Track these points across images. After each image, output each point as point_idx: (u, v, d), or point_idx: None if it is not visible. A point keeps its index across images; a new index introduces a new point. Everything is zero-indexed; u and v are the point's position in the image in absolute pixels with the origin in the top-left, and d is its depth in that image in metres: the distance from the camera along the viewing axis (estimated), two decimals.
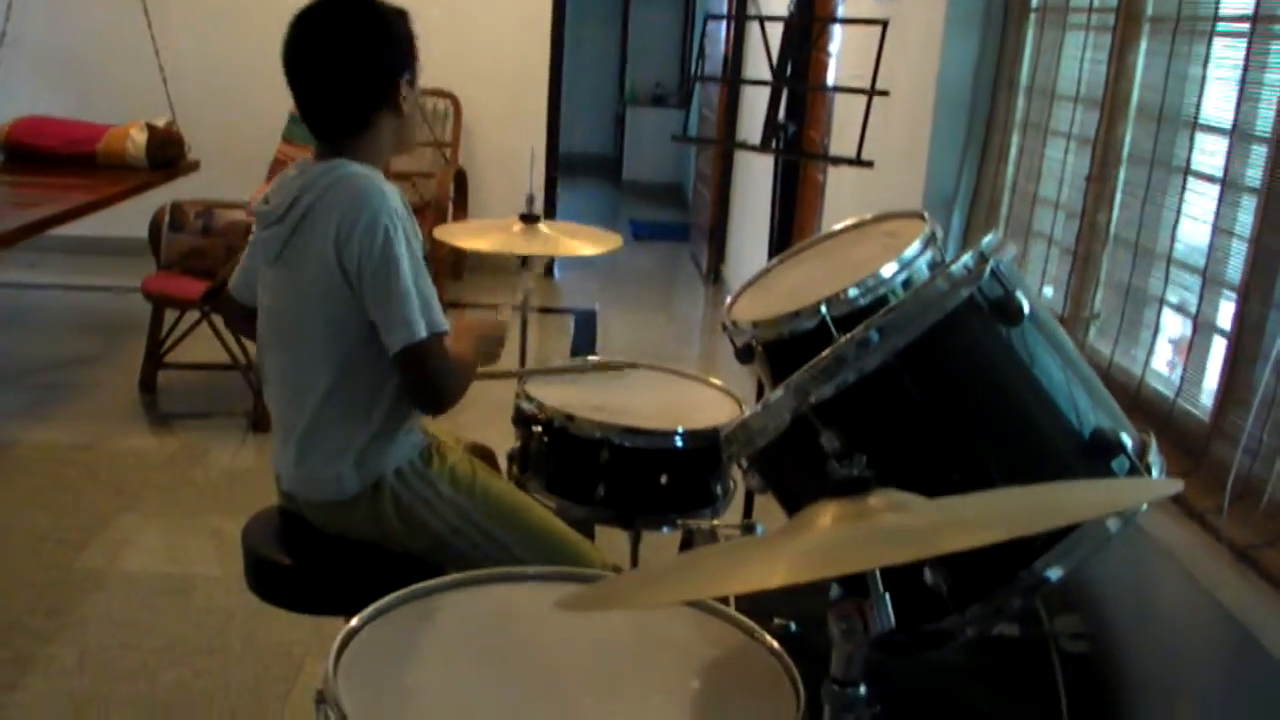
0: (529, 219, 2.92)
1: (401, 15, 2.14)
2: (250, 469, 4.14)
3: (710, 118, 7.75)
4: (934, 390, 1.47)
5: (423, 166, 6.70)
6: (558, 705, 1.48)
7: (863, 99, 2.85)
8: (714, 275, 7.44)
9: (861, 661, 1.22)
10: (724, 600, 1.73)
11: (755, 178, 6.14)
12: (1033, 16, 2.89)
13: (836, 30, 4.48)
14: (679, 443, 2.41)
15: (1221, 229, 2.01)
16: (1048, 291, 2.67)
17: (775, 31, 3.14)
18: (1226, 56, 2.06)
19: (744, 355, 2.03)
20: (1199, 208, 2.12)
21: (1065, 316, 2.50)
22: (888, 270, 1.90)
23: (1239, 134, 1.98)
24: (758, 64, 4.10)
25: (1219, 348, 2.01)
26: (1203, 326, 2.06)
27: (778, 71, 3.05)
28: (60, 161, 4.92)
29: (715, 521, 2.45)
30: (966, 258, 1.47)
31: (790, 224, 4.83)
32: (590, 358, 2.95)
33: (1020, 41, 2.92)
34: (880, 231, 2.16)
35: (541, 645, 1.61)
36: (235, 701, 2.80)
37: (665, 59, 11.96)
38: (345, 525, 2.18)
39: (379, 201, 2.03)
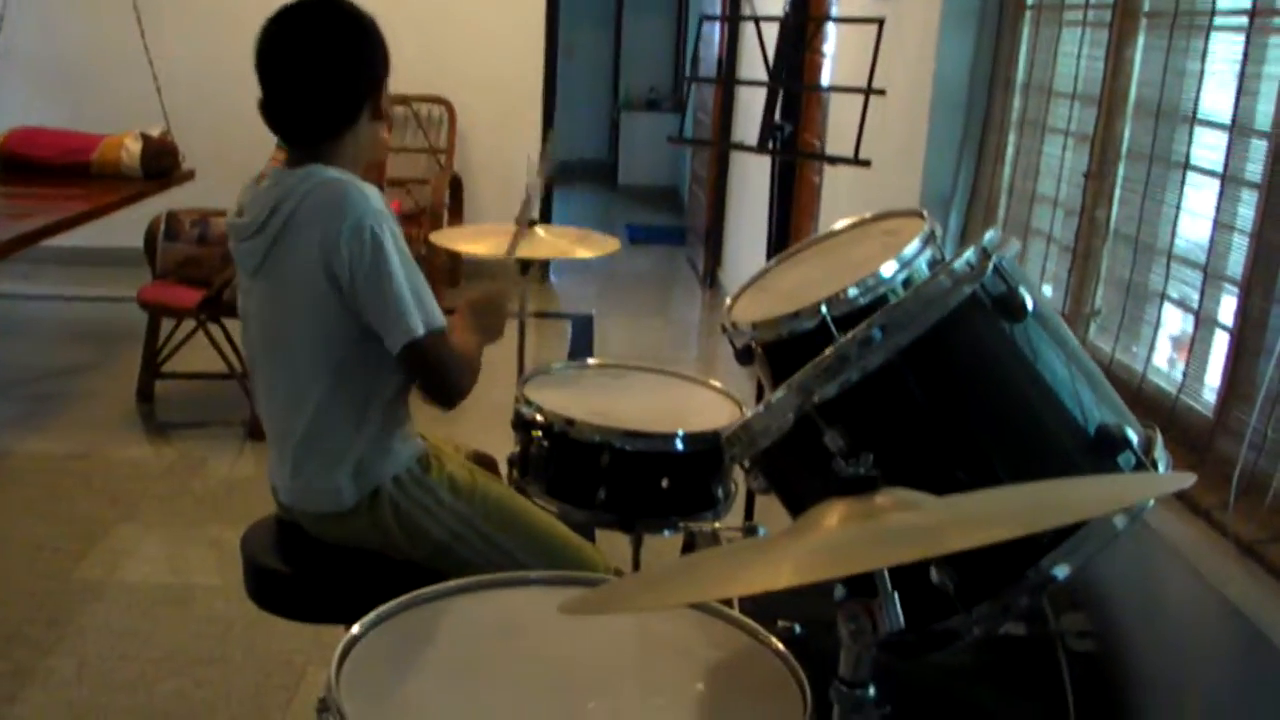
0: (526, 223, 2.91)
1: (373, 20, 2.12)
2: (249, 478, 4.12)
3: (705, 120, 7.75)
4: (937, 388, 1.46)
5: (417, 173, 6.70)
6: (562, 710, 1.47)
7: (858, 101, 2.84)
8: (710, 278, 7.43)
9: (870, 662, 1.21)
10: (728, 603, 1.72)
11: (751, 180, 6.14)
12: (1028, 14, 2.88)
13: (831, 31, 4.47)
14: (679, 445, 2.40)
15: (1222, 224, 2.00)
16: (1047, 289, 2.66)
17: (770, 32, 3.13)
18: (1225, 51, 2.05)
19: (744, 357, 2.02)
20: (1199, 203, 2.11)
21: (1066, 314, 2.49)
22: (887, 269, 1.89)
23: (1238, 128, 1.98)
24: (752, 65, 4.09)
25: (1221, 343, 2.00)
26: (1204, 322, 2.05)
27: (774, 72, 3.04)
28: (55, 172, 4.91)
29: (717, 524, 2.44)
30: (969, 254, 1.46)
31: (787, 226, 4.82)
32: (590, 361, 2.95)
33: (1016, 39, 2.92)
34: (879, 230, 2.15)
35: (545, 650, 1.60)
36: (236, 711, 2.79)
37: (659, 63, 11.96)
38: (344, 535, 2.16)
39: (361, 204, 2.00)
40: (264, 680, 2.91)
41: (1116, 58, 2.38)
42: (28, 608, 3.21)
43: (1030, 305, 1.45)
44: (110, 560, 3.51)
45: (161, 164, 5.05)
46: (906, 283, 1.90)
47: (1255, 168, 1.93)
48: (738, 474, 2.46)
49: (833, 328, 1.83)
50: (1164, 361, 2.23)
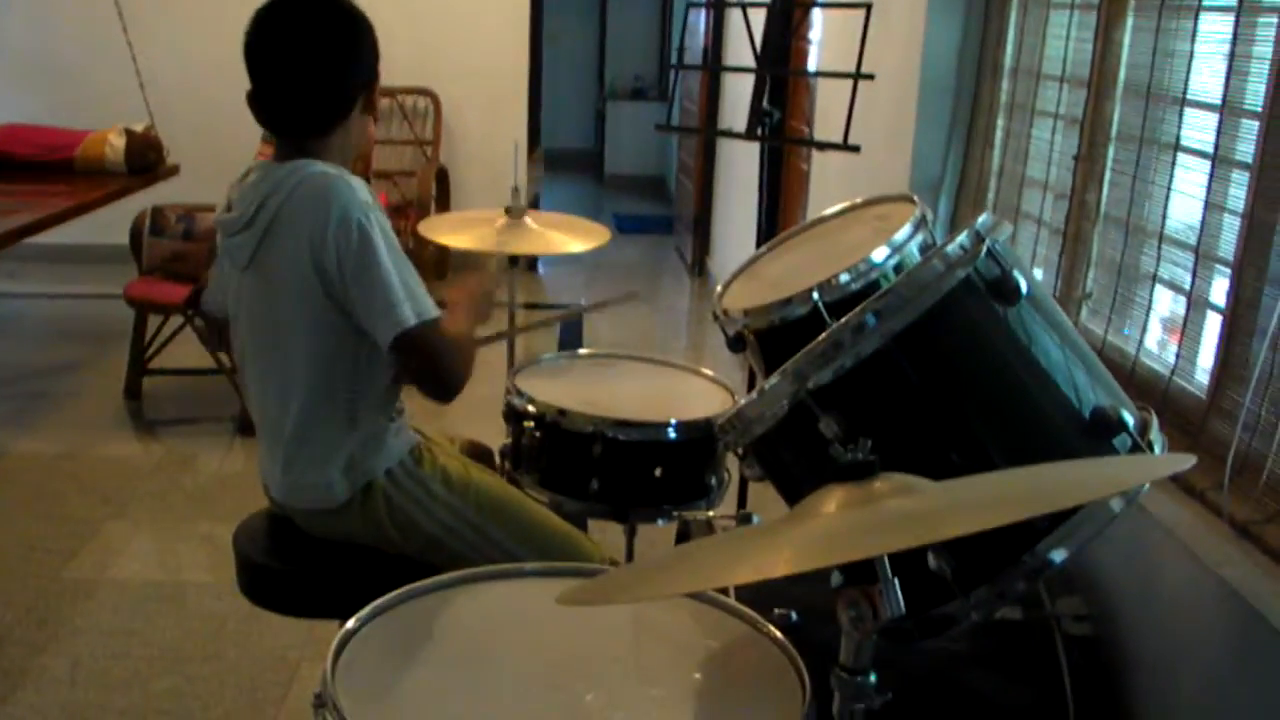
0: (515, 213, 2.89)
1: (365, 14, 2.10)
2: (239, 473, 4.11)
3: (691, 109, 7.74)
4: (932, 372, 1.46)
5: (404, 165, 6.67)
6: (559, 702, 1.46)
7: (845, 87, 2.83)
8: (699, 267, 7.43)
9: (871, 649, 1.20)
10: (724, 592, 1.71)
11: (738, 168, 6.13)
12: None
13: (817, 17, 4.46)
14: (672, 434, 2.39)
15: (1213, 205, 2.00)
16: (1038, 273, 2.66)
17: (757, 18, 3.12)
18: (1214, 31, 2.05)
19: (735, 344, 2.01)
20: (1189, 184, 2.10)
21: (1057, 297, 2.49)
22: (879, 254, 1.88)
23: (1229, 109, 1.97)
24: (738, 53, 4.09)
25: (1213, 324, 2.00)
26: (1196, 303, 2.05)
27: (761, 57, 3.03)
28: (38, 169, 4.87)
29: (711, 513, 2.44)
30: (962, 237, 1.46)
31: (776, 213, 4.81)
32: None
33: (1004, 22, 2.91)
34: (870, 216, 2.14)
35: (541, 642, 1.59)
36: (230, 707, 2.78)
37: (644, 52, 11.93)
38: (337, 531, 2.15)
39: (348, 196, 1.98)
40: (258, 676, 2.90)
41: (1105, 40, 2.38)
42: (19, 608, 3.19)
43: (1024, 288, 1.45)
44: (101, 559, 3.50)
45: (146, 159, 5.02)
46: (898, 268, 1.89)
47: (1246, 148, 1.93)
48: (730, 462, 2.46)
49: (825, 314, 1.82)
50: (1155, 344, 2.23)
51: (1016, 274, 1.45)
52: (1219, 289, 1.99)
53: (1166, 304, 2.21)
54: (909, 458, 1.29)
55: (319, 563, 2.16)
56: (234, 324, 2.18)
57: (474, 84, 6.89)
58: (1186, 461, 1.18)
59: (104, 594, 3.29)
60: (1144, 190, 2.24)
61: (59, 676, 2.87)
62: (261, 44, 2.03)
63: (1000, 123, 2.93)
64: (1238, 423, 1.82)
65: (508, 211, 2.93)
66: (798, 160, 4.85)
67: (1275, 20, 1.87)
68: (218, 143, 5.83)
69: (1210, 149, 2.01)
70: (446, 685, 1.50)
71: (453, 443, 2.40)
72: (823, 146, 3.08)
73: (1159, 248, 2.17)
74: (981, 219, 1.50)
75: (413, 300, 2.00)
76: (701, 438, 2.41)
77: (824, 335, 1.45)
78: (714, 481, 2.50)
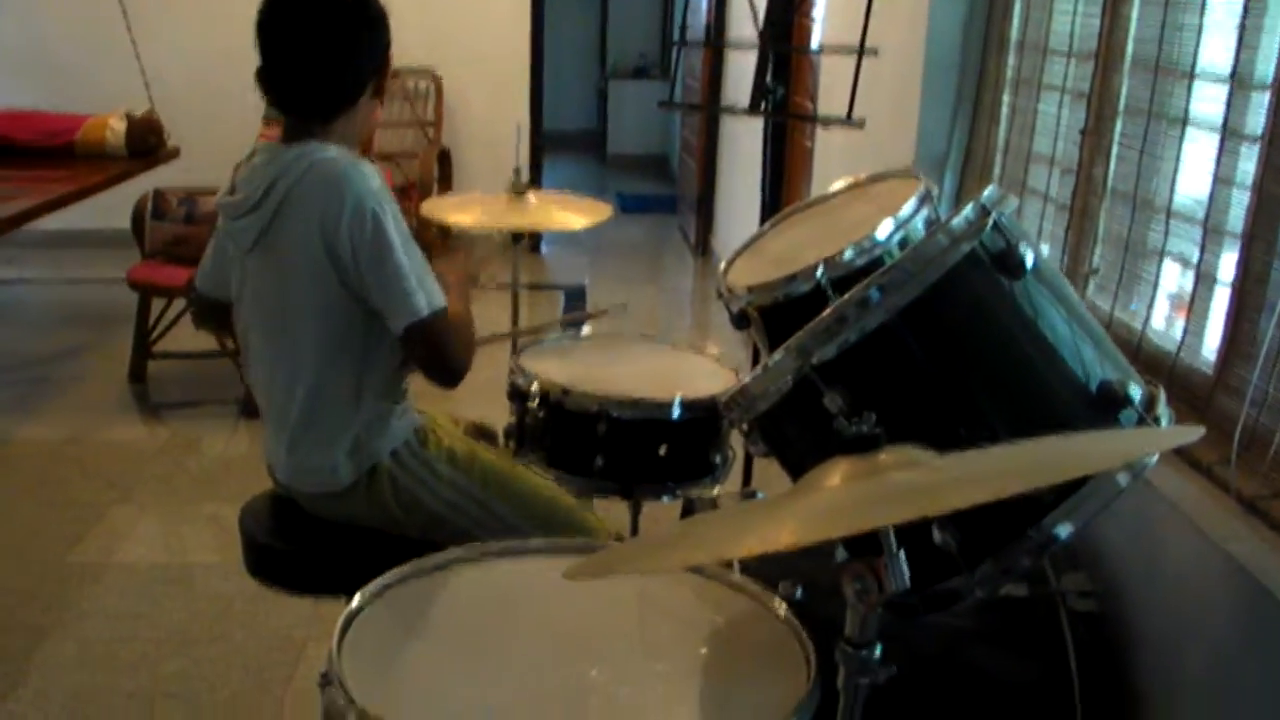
0: (518, 191, 2.88)
1: None
2: (244, 455, 4.11)
3: (694, 87, 7.70)
4: (937, 347, 1.45)
5: (406, 146, 6.65)
6: (564, 678, 1.46)
7: (849, 63, 2.81)
8: (702, 246, 7.41)
9: (876, 623, 1.20)
10: (729, 567, 1.71)
11: (741, 147, 6.10)
12: None
13: None
14: (676, 413, 2.39)
15: (1222, 179, 1.98)
16: (1045, 249, 2.64)
17: None
18: (1224, 2, 2.03)
19: (739, 321, 2.01)
20: (1198, 158, 2.09)
21: (1063, 273, 2.47)
22: (883, 230, 1.87)
23: (1238, 81, 1.95)
24: (741, 29, 4.06)
25: (1221, 300, 1.99)
26: (1204, 278, 2.03)
27: (764, 33, 3.01)
28: (38, 154, 4.86)
29: (716, 490, 2.43)
30: (967, 211, 1.45)
31: (780, 190, 4.80)
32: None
33: None
34: (873, 192, 2.13)
35: (547, 618, 1.59)
36: (238, 688, 2.78)
37: (646, 31, 11.88)
38: (341, 513, 2.14)
39: (361, 184, 1.97)
40: (265, 656, 2.91)
41: (1113, 12, 2.36)
42: (26, 592, 3.20)
43: (1030, 262, 1.43)
44: (107, 542, 3.50)
45: (147, 143, 5.00)
46: (903, 244, 1.89)
47: (1256, 120, 1.91)
48: (735, 440, 2.45)
49: (829, 290, 1.82)
50: (1163, 320, 2.21)
51: (1022, 247, 1.43)
52: (1227, 264, 1.98)
53: (1174, 280, 2.19)
54: (914, 432, 1.28)
55: (324, 542, 2.16)
56: (237, 307, 2.17)
57: (475, 64, 6.87)
58: (1193, 433, 1.17)
59: (110, 578, 3.29)
60: (1152, 164, 2.22)
61: (67, 660, 2.88)
62: (276, 22, 2.01)
63: (1006, 98, 2.91)
64: (1245, 398, 1.81)
65: (510, 190, 2.92)
66: (802, 137, 4.83)
67: None
68: (218, 125, 5.82)
69: (1219, 122, 1.99)
70: (451, 661, 1.50)
71: (457, 424, 2.39)
72: (826, 122, 3.07)
73: (1167, 222, 2.15)
74: (987, 192, 1.48)
75: (424, 290, 1.99)
76: (706, 415, 2.41)
77: (828, 310, 1.43)
78: (719, 459, 2.49)
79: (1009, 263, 1.43)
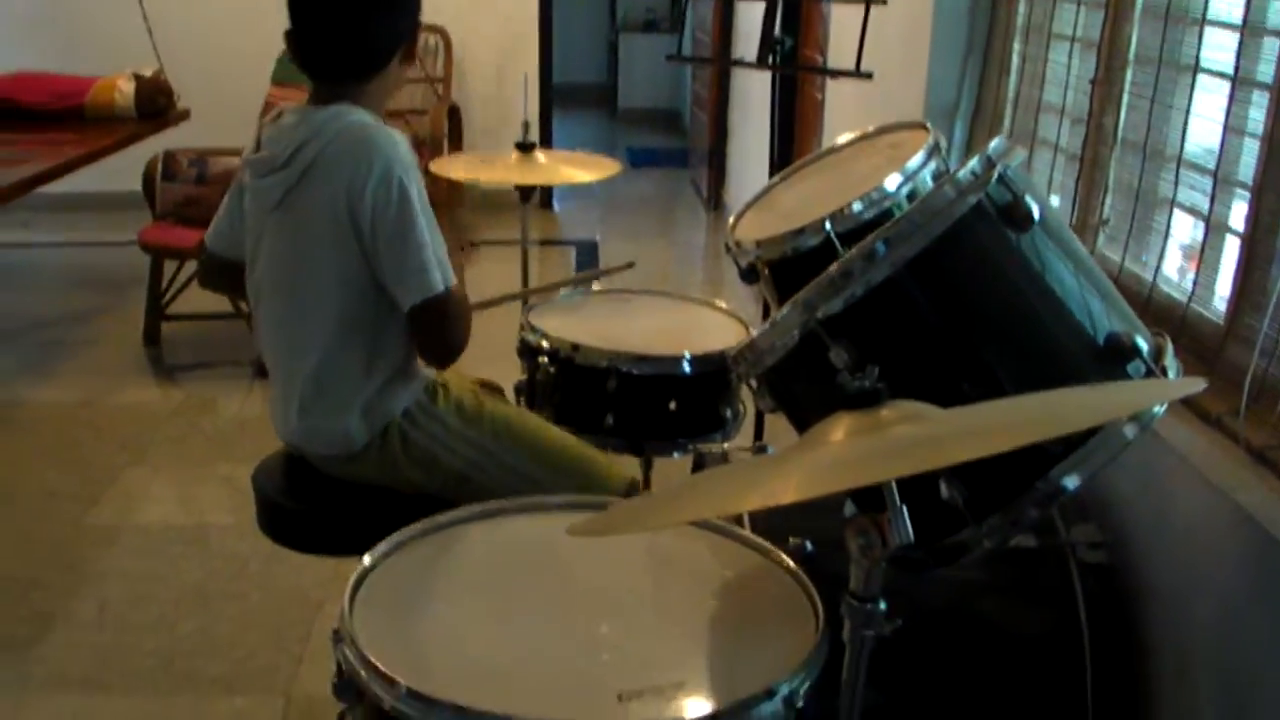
0: (525, 147, 2.87)
1: None
2: (258, 416, 4.12)
3: (704, 40, 7.64)
4: (943, 300, 1.44)
5: (415, 103, 6.62)
6: (574, 633, 1.48)
7: (858, 12, 2.78)
8: (714, 200, 7.38)
9: (880, 576, 1.21)
10: (739, 522, 1.72)
11: (753, 99, 6.06)
12: None
13: None
14: (686, 368, 2.39)
15: (1233, 128, 1.97)
16: (1054, 199, 2.62)
17: None
18: None
19: (748, 275, 2.00)
20: (1209, 107, 2.07)
21: (1073, 224, 2.46)
22: (891, 183, 1.87)
23: (1250, 29, 1.93)
24: None
25: (1231, 250, 1.97)
26: (1215, 228, 2.02)
27: None
28: (47, 117, 4.85)
29: (726, 445, 2.44)
30: (973, 163, 1.44)
31: (790, 143, 4.77)
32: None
33: None
34: (883, 144, 2.12)
35: (558, 575, 1.61)
36: (255, 646, 2.81)
37: None
38: (353, 474, 2.15)
39: (391, 152, 1.97)
40: (282, 615, 2.93)
41: None
42: (45, 554, 3.23)
43: (1037, 214, 1.43)
44: (124, 504, 3.53)
45: (156, 104, 4.99)
46: (911, 196, 1.88)
47: (1267, 68, 1.88)
48: (746, 395, 2.45)
49: (837, 243, 1.81)
50: (1174, 270, 2.20)
51: (1029, 200, 1.42)
52: (1238, 214, 1.96)
53: (1185, 230, 2.18)
54: (920, 386, 1.28)
55: (337, 501, 2.17)
56: (251, 267, 2.17)
57: (484, 20, 6.81)
58: (1196, 385, 1.17)
59: (127, 539, 3.32)
60: (1162, 114, 2.20)
61: (86, 621, 2.91)
62: None
63: (1016, 47, 2.88)
64: (1255, 348, 1.80)
65: (518, 147, 2.91)
66: (812, 89, 4.79)
67: None
68: (228, 86, 5.80)
69: (1230, 70, 1.97)
70: (463, 618, 1.52)
71: (464, 380, 2.40)
72: (834, 74, 3.05)
73: (1177, 172, 2.13)
74: (994, 144, 1.47)
75: (442, 267, 1.99)
76: (716, 370, 2.41)
77: (834, 264, 1.43)
78: (729, 414, 2.50)
79: (1015, 215, 1.42)
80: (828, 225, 1.83)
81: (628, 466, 2.51)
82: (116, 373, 4.59)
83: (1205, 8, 2.07)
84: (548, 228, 6.94)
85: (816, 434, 1.17)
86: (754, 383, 1.60)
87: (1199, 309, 2.04)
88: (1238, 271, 1.92)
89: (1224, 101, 1.98)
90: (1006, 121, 2.92)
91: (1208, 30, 2.07)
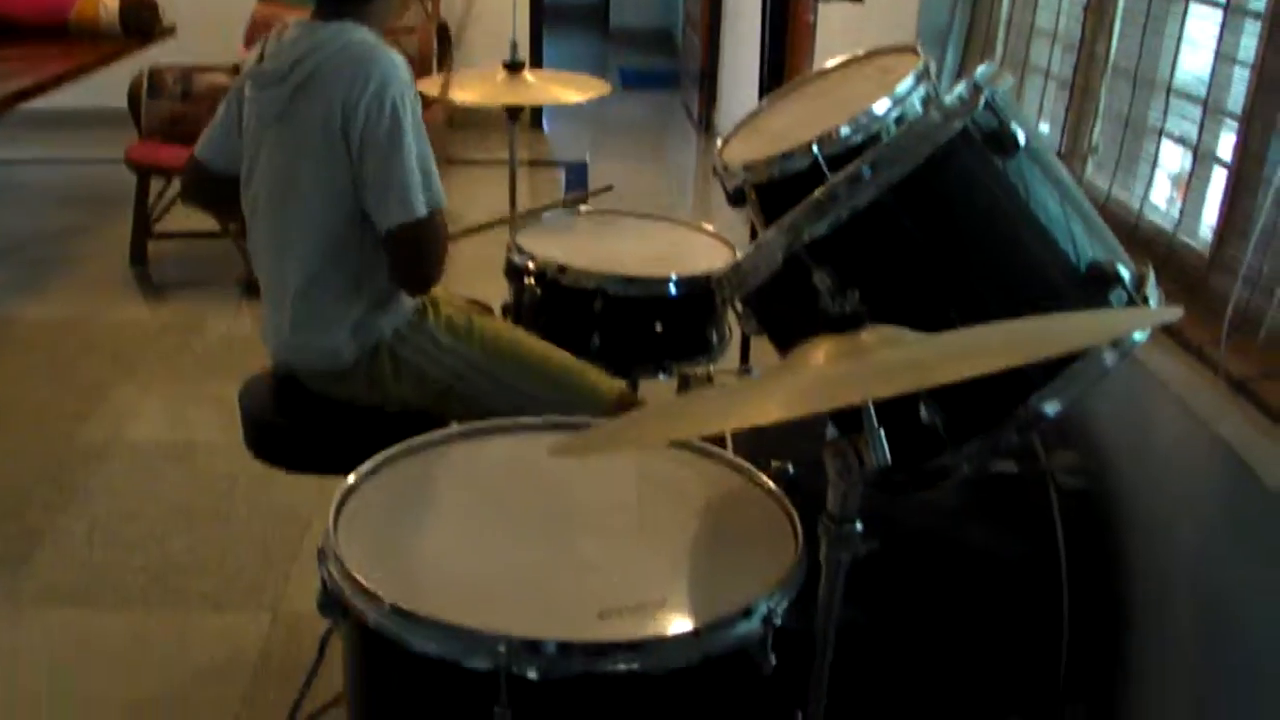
0: (513, 67, 2.84)
1: None
2: (247, 335, 4.13)
3: None
4: (928, 225, 1.44)
5: (404, 21, 6.53)
6: (557, 550, 1.50)
7: None
8: (705, 122, 7.32)
9: (858, 499, 1.22)
10: (722, 444, 1.73)
11: (745, 20, 5.99)
12: None
13: None
14: (673, 290, 2.39)
15: (1224, 56, 1.95)
16: (1044, 126, 2.61)
17: None
18: None
19: (736, 198, 2.00)
20: (1201, 34, 2.05)
21: (1063, 151, 2.45)
22: (880, 107, 1.86)
23: None
24: None
25: (1219, 179, 1.97)
26: (1203, 157, 2.01)
27: None
28: (31, 33, 4.78)
29: (712, 368, 2.45)
30: (960, 89, 1.43)
31: (781, 66, 4.71)
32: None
33: None
34: (873, 68, 2.11)
35: (541, 493, 1.63)
36: (244, 563, 2.84)
37: None
38: (342, 392, 2.16)
39: (390, 71, 1.98)
40: (271, 532, 2.96)
41: None
42: (35, 471, 3.25)
43: (1022, 140, 1.42)
44: (113, 421, 3.55)
45: (141, 20, 4.92)
46: (900, 120, 1.87)
47: None
48: (733, 318, 2.46)
49: (825, 167, 1.81)
50: (1163, 199, 2.20)
51: (1014, 126, 1.42)
52: (1226, 144, 1.96)
53: (1174, 159, 2.17)
54: (905, 311, 1.29)
55: (324, 419, 2.18)
56: (246, 180, 2.16)
57: None
58: (1172, 314, 1.18)
59: (117, 457, 3.34)
60: (1154, 41, 2.18)
61: (77, 537, 2.94)
62: None
63: None
64: (1238, 277, 1.80)
65: (506, 66, 2.88)
66: (804, 10, 4.74)
67: None
68: (213, 3, 5.72)
69: None
70: (446, 536, 1.53)
71: (452, 299, 2.40)
72: None
73: (1167, 100, 2.12)
74: (981, 70, 1.47)
75: (428, 188, 1.99)
76: (702, 293, 2.42)
77: (820, 188, 1.43)
78: (715, 337, 2.51)
79: (1001, 141, 1.42)
80: (815, 148, 1.83)
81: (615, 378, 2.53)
82: (104, 291, 4.58)
83: None
84: (537, 147, 6.89)
85: (798, 357, 1.18)
86: (738, 305, 1.61)
87: (1185, 238, 2.04)
88: (1224, 200, 1.91)
89: (1216, 29, 1.97)
90: (999, 46, 2.89)
91: None
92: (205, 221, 4.51)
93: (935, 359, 1.10)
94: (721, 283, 1.56)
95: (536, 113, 7.13)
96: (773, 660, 1.34)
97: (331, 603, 1.41)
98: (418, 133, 2.00)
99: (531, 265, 2.42)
